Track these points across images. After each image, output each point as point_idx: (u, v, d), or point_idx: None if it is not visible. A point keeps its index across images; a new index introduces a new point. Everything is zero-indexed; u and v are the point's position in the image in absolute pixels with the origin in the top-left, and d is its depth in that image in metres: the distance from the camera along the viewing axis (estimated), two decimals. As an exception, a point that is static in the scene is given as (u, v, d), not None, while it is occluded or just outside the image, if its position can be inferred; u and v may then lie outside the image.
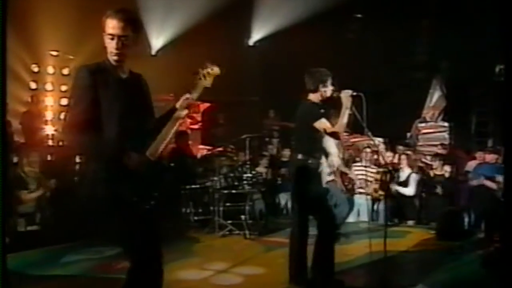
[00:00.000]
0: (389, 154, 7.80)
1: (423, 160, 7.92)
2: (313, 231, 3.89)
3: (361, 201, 6.67)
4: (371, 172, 6.57)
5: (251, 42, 11.07)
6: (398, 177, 7.08)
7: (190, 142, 9.13)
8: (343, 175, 5.83)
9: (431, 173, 7.17)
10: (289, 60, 9.21)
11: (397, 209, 7.07)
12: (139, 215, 2.41)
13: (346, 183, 5.83)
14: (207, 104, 9.96)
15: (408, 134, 9.14)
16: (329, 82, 3.79)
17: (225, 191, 6.27)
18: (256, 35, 10.90)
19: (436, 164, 7.20)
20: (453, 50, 8.90)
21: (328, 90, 3.78)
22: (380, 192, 5.94)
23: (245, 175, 6.38)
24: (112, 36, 2.42)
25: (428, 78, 9.74)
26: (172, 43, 10.06)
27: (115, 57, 2.46)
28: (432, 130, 9.05)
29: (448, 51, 9.23)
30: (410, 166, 7.20)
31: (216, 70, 2.65)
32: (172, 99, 9.54)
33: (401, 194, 7.00)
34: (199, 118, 9.92)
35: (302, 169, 3.80)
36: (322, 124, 3.71)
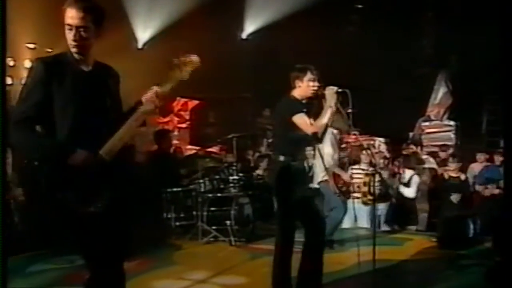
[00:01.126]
0: (388, 154, 7.76)
1: (426, 158, 7.85)
2: (304, 237, 3.89)
3: (359, 206, 6.57)
4: (361, 175, 6.44)
5: (244, 34, 10.93)
6: (400, 178, 7.11)
7: (177, 142, 9.21)
8: (336, 176, 5.73)
9: (446, 175, 7.05)
10: (285, 55, 9.15)
11: (398, 213, 7.07)
12: (87, 218, 2.34)
13: (339, 185, 5.72)
14: (195, 102, 9.96)
15: (411, 134, 9.12)
16: (311, 77, 3.76)
17: (210, 195, 6.24)
18: (250, 27, 10.79)
19: (453, 165, 7.04)
20: (459, 41, 8.79)
21: (311, 86, 3.76)
22: (369, 197, 5.79)
23: (231, 178, 6.35)
24: (70, 27, 2.39)
25: (433, 73, 9.65)
26: (160, 35, 9.94)
27: (74, 49, 2.43)
28: (437, 130, 9.00)
29: (454, 43, 9.13)
30: (411, 167, 7.05)
31: (194, 60, 2.58)
32: None
33: (404, 196, 7.02)
34: (187, 117, 9.93)
35: (285, 172, 3.74)
36: (300, 119, 3.66)
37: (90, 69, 2.49)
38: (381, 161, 7.58)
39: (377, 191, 6.68)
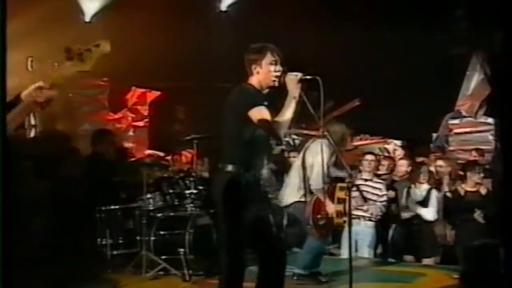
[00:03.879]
0: (404, 162, 7.67)
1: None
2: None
3: (360, 228, 6.64)
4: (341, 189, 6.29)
5: (223, 6, 10.81)
6: (409, 193, 6.99)
7: (131, 145, 9.14)
8: (317, 203, 5.65)
9: (461, 190, 6.97)
10: (275, 33, 9.10)
11: (410, 240, 6.97)
12: None
13: (318, 216, 5.62)
14: (156, 93, 10.06)
15: (435, 135, 9.07)
16: (272, 59, 3.78)
17: (159, 214, 6.19)
18: (231, -5, 10.64)
19: (475, 177, 6.94)
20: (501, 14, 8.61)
21: (272, 71, 3.77)
22: (344, 218, 5.73)
23: (188, 191, 6.27)
24: None
25: (465, 55, 9.47)
26: (112, 6, 9.94)
27: None
28: (470, 129, 8.88)
29: (494, 16, 8.92)
30: (428, 179, 6.99)
31: (103, 47, 2.57)
32: (106, 85, 9.51)
33: (419, 218, 6.92)
34: (145, 112, 10.00)
35: (233, 186, 3.75)
36: (259, 113, 3.64)
37: None
38: (399, 169, 7.57)
39: (380, 210, 6.73)
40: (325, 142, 5.13)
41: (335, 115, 11.09)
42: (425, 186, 6.99)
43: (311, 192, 5.69)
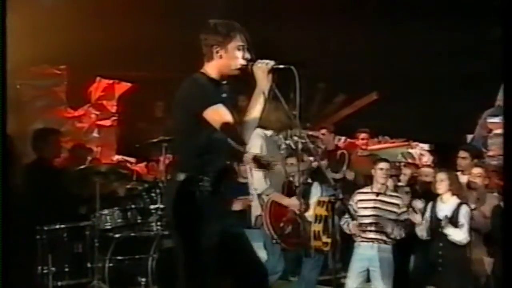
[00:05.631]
0: (428, 170, 7.67)
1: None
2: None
3: (372, 254, 6.55)
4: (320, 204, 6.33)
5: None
6: (433, 209, 6.81)
7: (96, 148, 8.94)
8: (275, 208, 5.79)
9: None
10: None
11: (435, 268, 6.69)
12: None
13: (281, 224, 5.71)
14: (127, 85, 10.00)
15: (470, 137, 8.89)
16: (239, 44, 3.80)
17: (116, 235, 6.23)
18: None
19: None
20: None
21: (239, 58, 3.80)
22: (325, 239, 5.75)
23: (153, 206, 6.27)
24: None
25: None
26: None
27: None
28: (514, 129, 8.60)
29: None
30: (455, 191, 6.83)
31: None
32: (64, 74, 9.30)
33: (447, 240, 6.67)
34: (113, 108, 9.88)
35: (186, 200, 3.76)
36: (216, 113, 3.67)
37: None
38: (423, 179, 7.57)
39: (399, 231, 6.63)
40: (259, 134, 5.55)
41: (348, 113, 11.00)
42: (454, 200, 6.80)
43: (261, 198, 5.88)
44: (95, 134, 9.76)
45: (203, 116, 3.65)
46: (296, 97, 3.70)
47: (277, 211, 5.71)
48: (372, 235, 6.63)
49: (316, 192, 6.25)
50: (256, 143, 5.71)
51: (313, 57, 9.59)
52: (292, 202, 5.81)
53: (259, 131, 5.56)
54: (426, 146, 8.97)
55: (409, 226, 6.82)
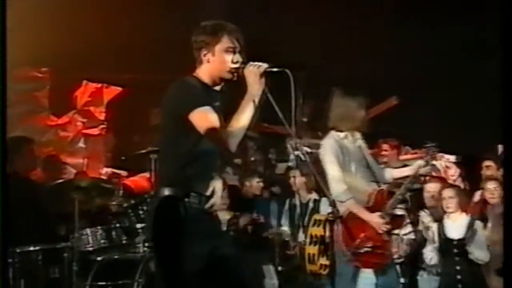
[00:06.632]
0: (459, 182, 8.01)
1: None
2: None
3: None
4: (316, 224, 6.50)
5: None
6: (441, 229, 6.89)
7: (81, 160, 8.89)
8: (351, 221, 5.58)
9: None
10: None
11: None
12: None
13: (357, 241, 5.49)
14: (117, 89, 10.06)
15: (500, 147, 8.71)
16: (230, 45, 3.89)
17: (97, 257, 6.26)
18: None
19: None
20: None
21: (229, 62, 3.88)
22: (323, 261, 5.82)
23: (139, 225, 6.35)
24: None
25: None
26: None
27: None
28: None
29: None
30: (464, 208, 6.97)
31: None
32: (47, 77, 9.29)
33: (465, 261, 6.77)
34: (101, 116, 9.89)
35: (170, 217, 3.83)
36: (203, 116, 3.75)
37: None
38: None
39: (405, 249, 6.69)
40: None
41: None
42: (464, 217, 6.92)
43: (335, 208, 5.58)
44: (81, 144, 9.81)
45: (189, 118, 3.70)
46: (292, 102, 3.73)
47: (354, 226, 5.48)
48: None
49: (325, 209, 6.26)
50: (329, 146, 5.56)
51: (327, 60, 9.66)
52: (375, 220, 5.56)
53: (333, 133, 5.52)
54: (452, 158, 8.84)
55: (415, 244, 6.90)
